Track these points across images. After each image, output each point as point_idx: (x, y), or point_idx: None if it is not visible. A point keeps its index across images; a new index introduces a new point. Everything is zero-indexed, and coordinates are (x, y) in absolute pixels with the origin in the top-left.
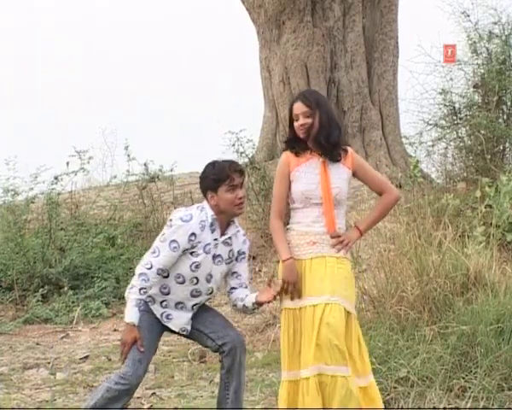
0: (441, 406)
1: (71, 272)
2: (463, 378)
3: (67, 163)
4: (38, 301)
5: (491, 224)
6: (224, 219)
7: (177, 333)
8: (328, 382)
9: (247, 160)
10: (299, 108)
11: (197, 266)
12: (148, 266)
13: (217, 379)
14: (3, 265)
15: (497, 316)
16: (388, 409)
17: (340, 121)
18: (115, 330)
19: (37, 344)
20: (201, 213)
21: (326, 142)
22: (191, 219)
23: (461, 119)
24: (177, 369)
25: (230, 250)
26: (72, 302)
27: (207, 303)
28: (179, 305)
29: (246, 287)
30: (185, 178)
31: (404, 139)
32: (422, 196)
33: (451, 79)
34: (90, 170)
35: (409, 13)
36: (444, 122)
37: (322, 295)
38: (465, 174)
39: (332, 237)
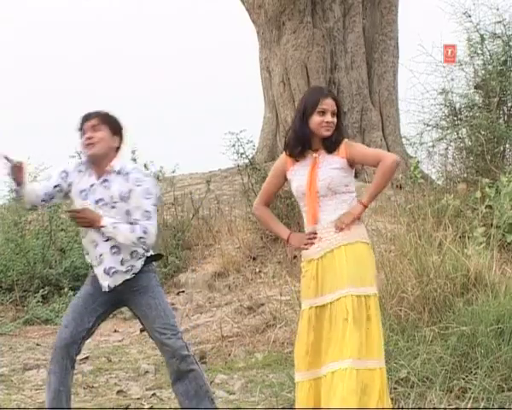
0: (441, 406)
1: (71, 273)
2: (464, 379)
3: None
4: (39, 301)
5: (491, 225)
6: (99, 164)
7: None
8: (344, 375)
9: (247, 160)
10: (330, 104)
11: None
12: None
13: (217, 380)
14: (4, 266)
15: (497, 317)
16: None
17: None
18: (115, 330)
19: (38, 345)
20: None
21: (337, 139)
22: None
23: (461, 119)
24: None
25: (111, 196)
26: None
27: (153, 299)
28: (94, 261)
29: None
30: (185, 179)
31: (404, 140)
32: (423, 197)
33: (452, 80)
34: None
35: (411, 12)
36: (444, 123)
37: (336, 290)
38: (465, 175)
39: (335, 226)
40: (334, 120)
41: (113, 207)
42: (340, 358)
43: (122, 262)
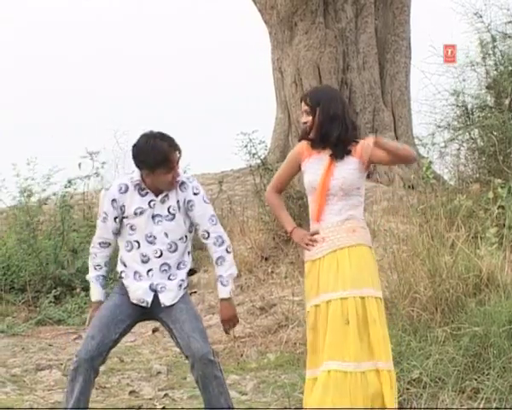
0: (454, 407)
1: (83, 273)
2: (476, 380)
3: (79, 164)
4: (51, 302)
5: (503, 225)
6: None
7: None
8: (347, 378)
9: (259, 161)
10: (302, 106)
11: (132, 228)
12: (92, 244)
13: (229, 380)
14: (16, 266)
15: (509, 317)
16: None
17: (351, 118)
18: None
19: (50, 345)
20: (125, 177)
21: (325, 139)
22: (111, 186)
23: (473, 120)
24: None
25: (169, 206)
26: (85, 303)
27: (185, 304)
28: (136, 275)
29: (207, 237)
30: (198, 179)
31: (416, 140)
32: (435, 198)
33: (464, 80)
34: (103, 174)
35: (422, 13)
36: (456, 123)
37: (336, 290)
38: (478, 175)
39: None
40: (306, 119)
41: (172, 219)
42: (340, 359)
43: (170, 277)
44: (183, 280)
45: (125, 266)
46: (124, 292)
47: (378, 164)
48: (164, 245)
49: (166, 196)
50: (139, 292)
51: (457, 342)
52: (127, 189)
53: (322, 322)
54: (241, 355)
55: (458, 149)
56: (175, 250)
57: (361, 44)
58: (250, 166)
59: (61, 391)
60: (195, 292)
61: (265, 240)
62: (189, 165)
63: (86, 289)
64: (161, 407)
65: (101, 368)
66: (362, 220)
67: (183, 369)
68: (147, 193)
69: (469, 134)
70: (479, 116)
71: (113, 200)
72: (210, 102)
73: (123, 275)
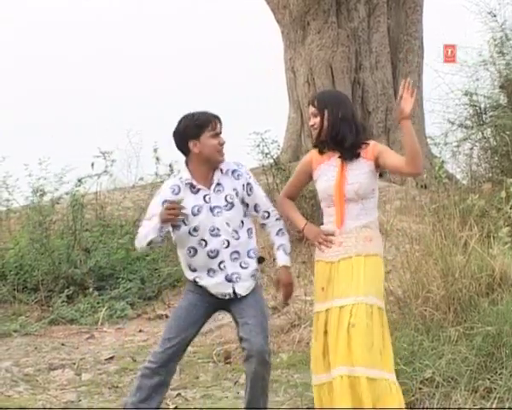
0: (466, 407)
1: (96, 272)
2: (489, 379)
3: (92, 164)
4: (64, 301)
5: None
6: (206, 171)
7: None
8: (357, 383)
9: (271, 160)
10: (310, 108)
11: (195, 230)
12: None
13: (242, 380)
14: (29, 266)
15: None
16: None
17: (357, 119)
18: (140, 330)
19: (63, 345)
20: (174, 178)
21: (333, 141)
22: (161, 190)
23: (486, 119)
24: (202, 370)
25: (226, 196)
26: (98, 303)
27: (254, 299)
28: (210, 272)
29: (268, 217)
30: None
31: (429, 140)
32: (448, 197)
33: (477, 80)
34: (113, 172)
35: (435, 12)
36: (469, 123)
37: (349, 296)
38: (490, 175)
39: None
40: (314, 121)
41: (231, 207)
42: (349, 364)
43: (242, 265)
44: (256, 270)
45: (195, 270)
46: (198, 290)
47: (384, 168)
48: (228, 235)
49: (219, 184)
50: (217, 287)
51: (470, 342)
52: (179, 190)
53: (333, 325)
54: None
55: (471, 149)
56: (238, 238)
57: (373, 44)
58: (263, 165)
59: (74, 390)
60: None
61: None
62: None
63: (99, 288)
64: (174, 406)
65: (115, 367)
66: (377, 227)
67: (195, 368)
68: (199, 190)
69: (482, 133)
70: (491, 116)
71: (166, 201)
72: (210, 102)
73: (197, 279)
